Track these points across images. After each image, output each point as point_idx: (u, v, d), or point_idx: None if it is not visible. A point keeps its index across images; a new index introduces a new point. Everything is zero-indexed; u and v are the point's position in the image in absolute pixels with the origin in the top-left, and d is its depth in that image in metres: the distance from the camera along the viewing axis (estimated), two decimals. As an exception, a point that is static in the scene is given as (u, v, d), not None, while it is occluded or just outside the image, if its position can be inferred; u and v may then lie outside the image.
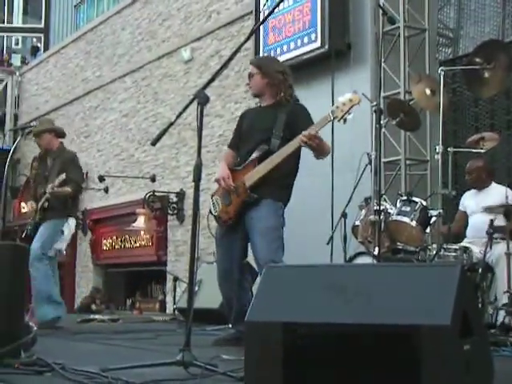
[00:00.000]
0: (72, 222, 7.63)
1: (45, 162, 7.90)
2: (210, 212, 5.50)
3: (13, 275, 3.55)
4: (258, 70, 5.48)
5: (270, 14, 5.05)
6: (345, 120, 5.06)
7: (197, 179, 3.72)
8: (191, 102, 3.82)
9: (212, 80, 3.89)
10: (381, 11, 8.38)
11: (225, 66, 3.98)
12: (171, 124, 3.86)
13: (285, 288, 3.15)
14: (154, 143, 3.94)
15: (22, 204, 19.21)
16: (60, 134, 8.06)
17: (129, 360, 3.80)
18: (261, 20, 10.46)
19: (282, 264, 4.01)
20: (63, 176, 7.30)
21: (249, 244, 5.39)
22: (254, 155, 5.25)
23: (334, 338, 2.97)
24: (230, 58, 4.00)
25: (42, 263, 7.18)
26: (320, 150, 5.24)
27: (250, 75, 5.56)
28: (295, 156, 5.30)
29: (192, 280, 3.75)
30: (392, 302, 2.90)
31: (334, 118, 5.04)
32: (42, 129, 7.93)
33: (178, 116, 3.88)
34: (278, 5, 4.34)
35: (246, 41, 4.14)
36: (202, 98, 3.74)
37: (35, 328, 3.72)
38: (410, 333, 2.80)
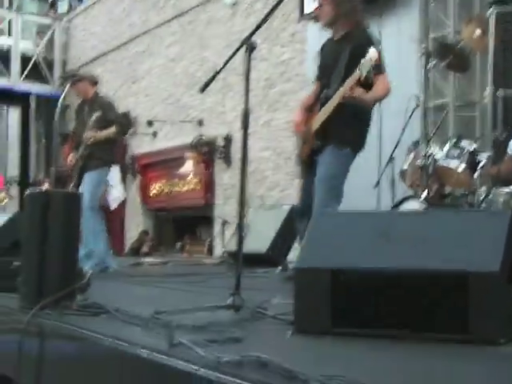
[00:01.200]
0: (115, 169, 7.92)
1: (82, 110, 7.90)
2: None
3: (66, 222, 3.63)
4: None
5: None
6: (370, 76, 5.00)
7: (245, 126, 3.73)
8: (238, 49, 3.83)
9: (259, 27, 3.88)
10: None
11: (272, 11, 3.94)
12: (218, 72, 3.89)
13: (334, 234, 3.18)
14: (202, 90, 3.96)
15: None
16: (94, 81, 7.97)
17: (180, 303, 3.89)
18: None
19: (331, 210, 4.01)
20: (98, 114, 7.41)
21: None
22: (322, 96, 5.29)
23: (382, 284, 3.00)
24: (278, 4, 3.95)
25: (91, 215, 7.28)
26: (363, 103, 5.14)
27: (320, 4, 5.42)
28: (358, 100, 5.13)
29: (241, 224, 3.80)
30: (440, 248, 2.92)
31: (360, 76, 4.97)
32: (75, 78, 7.99)
33: (226, 63, 3.91)
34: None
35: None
36: (249, 45, 3.73)
37: (90, 272, 3.82)
38: (459, 279, 2.82)
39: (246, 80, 3.72)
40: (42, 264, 3.57)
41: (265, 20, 3.87)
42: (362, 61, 4.89)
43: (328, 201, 5.09)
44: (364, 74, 4.88)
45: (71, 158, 7.76)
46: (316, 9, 5.57)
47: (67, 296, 3.51)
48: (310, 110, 5.41)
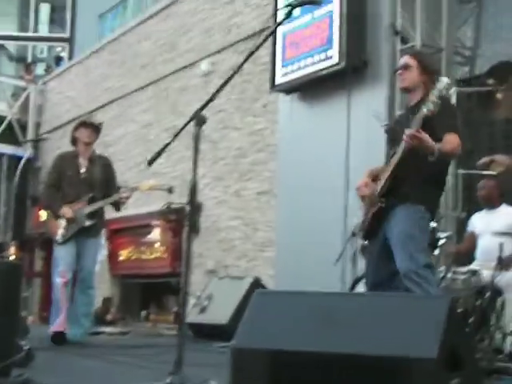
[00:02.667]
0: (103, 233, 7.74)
1: (76, 162, 7.41)
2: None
3: (5, 293, 3.54)
4: (417, 63, 5.01)
5: (263, 42, 4.70)
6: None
7: (191, 199, 3.69)
8: (189, 121, 3.81)
9: (210, 100, 3.88)
10: (394, 30, 8.31)
11: (224, 84, 3.93)
12: (167, 144, 3.86)
13: (273, 314, 3.12)
14: (149, 163, 3.92)
15: (41, 212, 19.33)
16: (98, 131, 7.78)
17: (122, 379, 3.79)
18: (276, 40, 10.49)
19: (271, 290, 3.81)
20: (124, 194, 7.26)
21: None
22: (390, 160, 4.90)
23: (322, 368, 2.93)
24: (229, 79, 3.95)
25: (93, 287, 7.28)
26: (424, 149, 4.61)
27: (407, 66, 5.04)
28: (439, 160, 4.67)
29: (185, 297, 3.72)
30: (380, 333, 2.87)
31: (427, 112, 4.55)
32: (100, 126, 7.72)
33: (175, 137, 3.86)
34: (275, 29, 4.26)
35: (244, 62, 4.11)
36: (199, 119, 3.72)
37: (27, 347, 3.71)
38: (397, 365, 2.76)
39: (194, 152, 3.68)
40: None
41: (216, 93, 3.86)
42: (431, 96, 4.54)
43: (411, 259, 4.57)
44: (431, 108, 4.50)
45: (66, 212, 7.18)
46: (400, 70, 5.11)
47: (2, 371, 3.40)
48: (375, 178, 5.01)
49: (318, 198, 10.01)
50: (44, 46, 26.50)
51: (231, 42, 13.40)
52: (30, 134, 20.04)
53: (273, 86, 10.92)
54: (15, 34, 26.80)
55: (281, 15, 10.42)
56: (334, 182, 9.42)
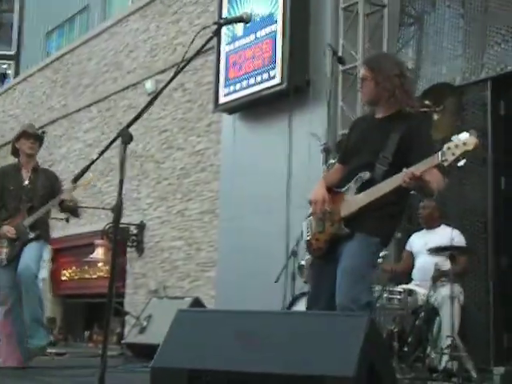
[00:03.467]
0: (49, 248, 7.34)
1: (19, 174, 7.02)
2: (302, 235, 4.88)
3: None
4: (371, 73, 4.55)
5: (186, 64, 4.61)
6: (455, 166, 4.14)
7: (116, 220, 3.64)
8: (114, 139, 3.76)
9: (137, 117, 3.84)
10: (329, 50, 8.35)
11: (150, 103, 3.89)
12: (93, 162, 3.82)
13: (194, 333, 3.09)
14: (74, 181, 3.86)
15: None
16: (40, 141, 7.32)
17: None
18: (220, 61, 10.50)
19: (193, 309, 3.70)
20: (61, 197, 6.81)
21: None
22: (353, 183, 4.48)
23: (241, 386, 2.91)
24: (152, 100, 3.91)
25: (37, 286, 6.71)
26: (423, 192, 4.42)
27: (362, 79, 4.64)
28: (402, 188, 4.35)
29: (109, 317, 3.65)
30: (298, 351, 2.86)
31: (442, 162, 4.08)
32: (42, 136, 7.28)
33: (101, 154, 3.83)
34: (194, 56, 4.21)
35: (168, 82, 4.07)
36: (125, 137, 3.68)
37: None
38: (315, 383, 2.75)
39: (120, 172, 3.62)
40: None
41: (143, 111, 3.83)
42: (452, 143, 4.05)
43: (353, 295, 4.25)
44: (450, 160, 4.05)
45: (13, 232, 6.80)
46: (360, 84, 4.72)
47: None
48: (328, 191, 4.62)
49: (260, 218, 10.02)
50: (-12, 63, 26.23)
51: (175, 62, 13.37)
52: (-27, 152, 19.73)
53: (216, 106, 10.92)
54: (-40, 51, 26.50)
55: (236, 36, 10.50)
56: (276, 201, 9.43)
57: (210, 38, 4.21)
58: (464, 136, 4.05)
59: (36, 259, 6.74)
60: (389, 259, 7.03)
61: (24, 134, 7.03)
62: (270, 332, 2.93)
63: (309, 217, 4.73)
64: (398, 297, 6.47)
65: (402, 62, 5.08)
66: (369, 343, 2.81)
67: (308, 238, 4.68)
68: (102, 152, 3.81)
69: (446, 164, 4.07)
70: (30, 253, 6.74)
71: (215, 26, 4.46)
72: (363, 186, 4.43)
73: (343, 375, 2.70)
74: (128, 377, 3.56)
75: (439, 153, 4.08)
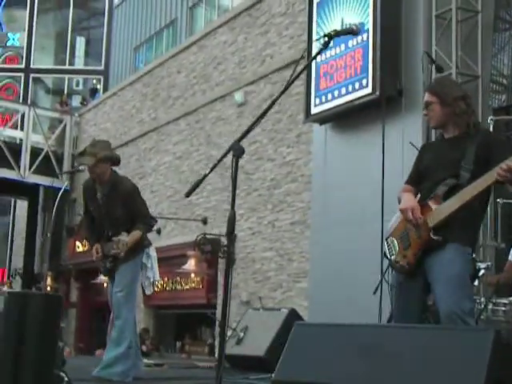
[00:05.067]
0: (152, 250, 6.77)
1: (93, 191, 6.74)
2: (385, 256, 4.77)
3: (44, 324, 3.54)
4: (436, 98, 4.64)
5: (302, 71, 4.61)
6: None
7: (230, 231, 3.65)
8: (226, 153, 3.78)
9: (248, 131, 3.84)
10: (429, 58, 8.26)
11: (261, 116, 3.89)
12: (205, 176, 3.82)
13: (314, 347, 3.07)
14: (187, 195, 3.87)
15: (77, 243, 19.45)
16: (117, 162, 6.78)
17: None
18: (311, 70, 10.50)
19: (310, 322, 3.60)
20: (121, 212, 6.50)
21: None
22: (440, 190, 4.47)
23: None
24: (267, 110, 3.91)
25: (125, 312, 6.52)
26: None
27: (428, 104, 4.71)
28: (486, 193, 4.48)
29: (224, 330, 3.66)
30: (422, 367, 2.81)
31: None
32: (100, 156, 6.57)
33: (213, 168, 3.84)
34: (313, 59, 4.21)
35: (280, 94, 4.08)
36: (237, 150, 3.69)
37: (66, 378, 3.69)
38: (441, 399, 2.70)
39: (233, 185, 3.64)
40: (17, 368, 3.45)
41: (254, 124, 3.83)
42: None
43: (458, 302, 4.20)
44: None
45: (98, 255, 6.64)
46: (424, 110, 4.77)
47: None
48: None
49: (353, 228, 9.94)
50: (80, 78, 26.83)
51: (264, 73, 13.45)
52: (66, 166, 20.24)
53: (307, 116, 10.89)
54: (51, 67, 27.19)
55: (317, 46, 10.45)
56: (369, 211, 9.32)
57: (321, 51, 4.16)
58: None
59: (124, 285, 6.56)
60: (491, 270, 6.87)
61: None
62: (392, 346, 2.89)
63: (388, 237, 4.72)
64: (503, 309, 6.32)
65: (463, 87, 5.17)
66: (496, 358, 2.74)
67: (393, 257, 4.63)
68: (214, 166, 3.83)
69: None
70: (118, 278, 6.62)
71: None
72: (450, 193, 4.42)
73: (471, 393, 2.64)
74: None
75: None
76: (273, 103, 3.98)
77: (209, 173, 3.85)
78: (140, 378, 6.54)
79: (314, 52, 10.82)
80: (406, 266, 4.52)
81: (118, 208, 6.56)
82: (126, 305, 6.55)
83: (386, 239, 4.74)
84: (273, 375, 3.01)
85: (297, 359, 3.02)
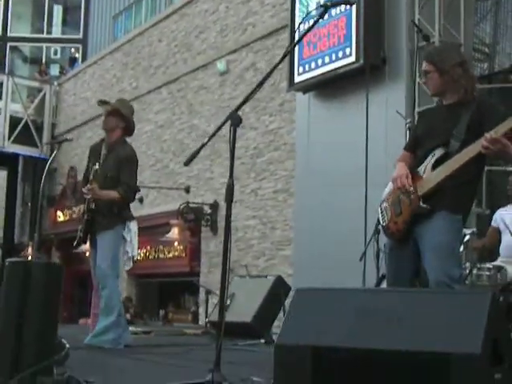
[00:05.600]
0: (133, 225, 6.77)
1: (98, 153, 6.79)
2: (378, 222, 4.87)
3: (46, 293, 3.59)
4: (433, 66, 4.64)
5: (300, 40, 4.67)
6: None
7: (229, 200, 3.72)
8: (224, 123, 3.83)
9: (245, 101, 3.89)
10: (415, 28, 8.31)
11: (258, 87, 3.93)
12: (203, 145, 3.87)
13: (315, 311, 3.15)
14: (186, 163, 3.93)
15: (58, 213, 19.43)
16: (129, 129, 6.89)
17: (160, 378, 3.82)
18: (295, 39, 10.52)
19: (311, 287, 3.63)
20: (112, 194, 6.48)
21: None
22: (429, 159, 4.54)
23: (362, 363, 2.96)
24: (262, 82, 3.94)
25: (110, 282, 6.54)
26: (504, 157, 4.45)
27: (426, 73, 4.72)
28: (478, 161, 4.47)
29: (223, 298, 3.73)
30: (422, 328, 2.90)
31: None
32: (118, 109, 6.75)
33: (211, 137, 3.90)
34: (310, 28, 4.25)
35: (279, 63, 4.12)
36: (234, 120, 3.74)
37: (67, 345, 3.75)
38: (440, 360, 2.79)
39: (231, 154, 3.70)
40: (19, 336, 3.50)
41: (251, 95, 3.88)
42: None
43: (447, 270, 4.35)
44: None
45: (86, 191, 6.59)
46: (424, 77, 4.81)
47: (44, 370, 3.44)
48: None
49: (337, 196, 10.03)
50: (57, 47, 26.61)
51: (246, 42, 13.45)
52: (46, 135, 20.15)
53: (291, 85, 10.93)
54: (29, 35, 26.93)
55: (310, 15, 10.47)
56: (353, 179, 9.40)
57: (317, 21, 4.19)
58: None
59: (106, 256, 6.57)
60: (475, 236, 6.99)
61: (99, 105, 7.00)
62: (392, 309, 2.98)
63: (381, 203, 4.78)
64: (488, 273, 6.45)
65: (462, 51, 5.14)
66: (492, 320, 2.84)
67: (385, 223, 4.71)
68: (212, 135, 3.89)
69: None
70: (100, 249, 6.61)
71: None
72: (439, 162, 4.48)
73: (469, 352, 2.73)
74: (226, 354, 3.64)
75: None
76: (271, 71, 4.01)
77: (207, 142, 3.91)
78: (130, 346, 6.60)
79: (297, 20, 10.88)
80: (396, 232, 4.61)
81: (111, 168, 6.61)
82: (111, 274, 6.58)
83: (380, 205, 4.80)
84: (276, 340, 3.10)
85: (298, 323, 3.10)
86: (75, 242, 6.86)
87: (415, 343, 2.86)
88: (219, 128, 3.87)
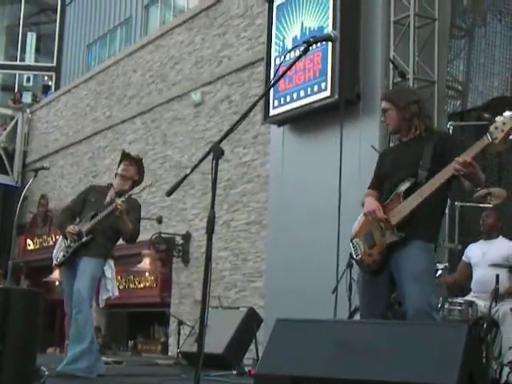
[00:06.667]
0: (112, 262, 7.03)
1: (104, 192, 6.97)
2: (351, 256, 4.93)
3: (27, 320, 3.60)
4: (391, 104, 4.87)
5: (276, 81, 4.78)
6: (505, 141, 4.29)
7: (210, 231, 3.76)
8: (206, 155, 3.88)
9: (227, 134, 3.97)
10: (391, 65, 8.45)
11: (241, 120, 4.00)
12: (186, 176, 3.92)
13: (294, 342, 3.20)
14: (168, 194, 3.98)
15: (28, 241, 19.30)
16: (138, 184, 7.12)
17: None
18: (270, 72, 10.65)
19: (290, 318, 3.66)
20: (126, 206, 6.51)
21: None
22: (400, 189, 4.66)
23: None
24: (245, 115, 4.02)
25: (86, 307, 6.52)
26: (474, 179, 4.52)
27: (384, 111, 4.92)
28: (445, 189, 4.62)
29: (202, 328, 3.74)
30: (398, 360, 2.96)
31: (493, 140, 4.26)
32: (140, 159, 7.18)
33: (194, 168, 3.94)
34: (294, 63, 4.36)
35: (264, 95, 4.19)
36: (217, 152, 3.79)
37: (46, 372, 3.75)
38: (418, 392, 2.84)
39: (213, 186, 3.74)
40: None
41: (234, 127, 3.95)
42: (498, 122, 4.26)
43: (426, 298, 4.41)
44: (500, 137, 4.21)
45: (74, 230, 6.67)
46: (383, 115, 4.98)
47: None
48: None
49: (310, 229, 10.09)
50: (30, 74, 26.57)
51: (221, 74, 13.55)
52: (17, 163, 20.09)
53: (266, 118, 11.02)
54: (1, 62, 26.89)
55: (285, 49, 10.62)
56: (325, 213, 9.46)
57: (300, 57, 4.31)
58: (509, 113, 4.27)
59: (86, 282, 6.55)
60: (446, 271, 7.07)
61: (123, 156, 7.13)
62: (370, 341, 3.03)
63: (353, 239, 4.91)
64: (459, 308, 6.52)
65: (418, 91, 5.38)
66: (468, 353, 2.90)
67: (359, 257, 4.81)
68: (195, 167, 3.93)
69: (496, 141, 4.24)
70: (82, 274, 6.60)
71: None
72: (409, 192, 4.62)
73: (445, 383, 2.79)
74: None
75: (487, 134, 4.28)
76: (254, 105, 4.07)
77: (189, 173, 3.95)
78: (103, 375, 6.57)
79: (273, 54, 11.00)
80: (372, 264, 4.71)
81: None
82: (88, 300, 6.57)
83: (351, 241, 4.92)
84: (256, 370, 3.13)
85: (278, 354, 3.14)
86: (58, 263, 6.89)
87: (392, 374, 2.91)
88: (202, 159, 3.92)
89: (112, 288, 6.96)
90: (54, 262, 7.13)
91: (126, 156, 7.13)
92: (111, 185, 7.08)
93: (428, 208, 4.56)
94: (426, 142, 4.73)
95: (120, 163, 7.09)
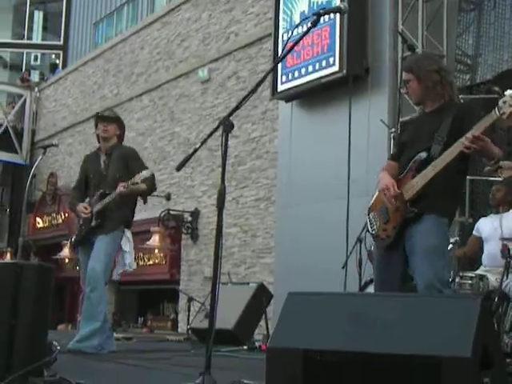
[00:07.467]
0: (129, 234, 6.83)
1: (97, 160, 6.91)
2: (367, 231, 4.93)
3: (38, 295, 3.60)
4: (411, 75, 4.76)
5: (286, 55, 4.72)
6: None
7: (220, 205, 3.74)
8: (216, 129, 3.87)
9: (237, 108, 3.94)
10: (400, 38, 8.39)
11: (249, 95, 3.97)
12: (195, 150, 3.91)
13: (306, 315, 3.19)
14: (178, 169, 3.97)
15: (37, 219, 19.34)
16: (123, 136, 7.06)
17: (150, 382, 3.83)
18: (278, 48, 10.59)
19: (302, 292, 3.62)
20: (145, 174, 6.38)
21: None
22: (412, 164, 4.61)
23: (353, 366, 3.00)
24: (254, 90, 3.99)
25: (101, 286, 6.53)
26: (486, 154, 4.41)
27: (405, 82, 4.83)
28: (462, 162, 4.52)
29: (214, 305, 3.75)
30: (412, 332, 2.94)
31: (501, 115, 4.17)
32: (117, 116, 7.03)
33: (203, 143, 3.93)
34: (303, 36, 4.32)
35: (266, 75, 4.16)
36: (226, 126, 3.77)
37: (58, 347, 3.76)
38: (431, 364, 2.82)
39: (222, 161, 3.72)
40: (11, 338, 3.51)
41: (242, 102, 3.93)
42: (507, 96, 4.15)
43: (437, 273, 4.41)
44: (508, 112, 4.11)
45: (86, 211, 6.69)
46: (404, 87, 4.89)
47: (35, 371, 3.45)
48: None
49: (318, 204, 10.08)
50: (38, 53, 26.53)
51: (229, 50, 13.49)
52: (26, 141, 20.08)
53: (274, 94, 10.98)
54: (9, 41, 26.83)
55: (293, 24, 10.55)
56: (335, 188, 9.47)
57: (309, 29, 4.26)
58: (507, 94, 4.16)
59: (102, 259, 6.52)
60: (457, 245, 7.05)
61: (98, 119, 7.02)
62: (383, 313, 3.01)
63: (369, 212, 4.85)
64: (470, 282, 6.50)
65: (440, 58, 5.21)
66: (482, 325, 2.88)
67: (375, 231, 4.78)
68: (204, 141, 3.92)
69: (504, 117, 4.15)
70: (97, 252, 6.56)
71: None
72: (422, 167, 4.55)
73: (460, 356, 2.77)
74: (215, 359, 3.66)
75: (495, 109, 4.18)
76: (263, 79, 4.05)
77: (199, 148, 3.93)
78: (113, 351, 6.59)
79: (281, 29, 10.94)
80: (386, 238, 4.67)
81: (118, 169, 6.67)
82: (103, 278, 6.56)
83: (368, 215, 4.86)
84: (268, 344, 3.13)
85: (290, 327, 3.13)
86: (74, 240, 6.91)
87: (406, 347, 2.90)
88: (211, 133, 3.91)
89: (130, 262, 6.88)
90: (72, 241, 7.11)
91: (100, 118, 6.96)
92: (99, 149, 7.00)
93: (442, 182, 4.48)
94: (446, 113, 4.62)
95: (96, 126, 6.97)
